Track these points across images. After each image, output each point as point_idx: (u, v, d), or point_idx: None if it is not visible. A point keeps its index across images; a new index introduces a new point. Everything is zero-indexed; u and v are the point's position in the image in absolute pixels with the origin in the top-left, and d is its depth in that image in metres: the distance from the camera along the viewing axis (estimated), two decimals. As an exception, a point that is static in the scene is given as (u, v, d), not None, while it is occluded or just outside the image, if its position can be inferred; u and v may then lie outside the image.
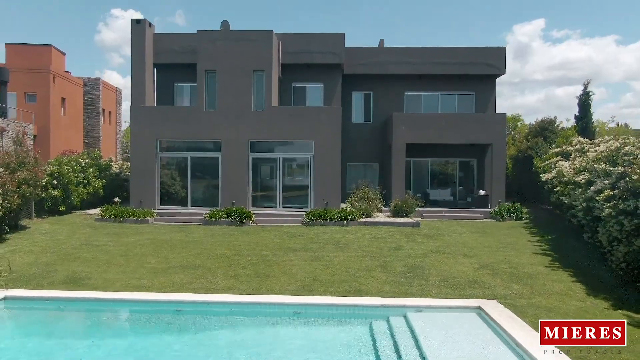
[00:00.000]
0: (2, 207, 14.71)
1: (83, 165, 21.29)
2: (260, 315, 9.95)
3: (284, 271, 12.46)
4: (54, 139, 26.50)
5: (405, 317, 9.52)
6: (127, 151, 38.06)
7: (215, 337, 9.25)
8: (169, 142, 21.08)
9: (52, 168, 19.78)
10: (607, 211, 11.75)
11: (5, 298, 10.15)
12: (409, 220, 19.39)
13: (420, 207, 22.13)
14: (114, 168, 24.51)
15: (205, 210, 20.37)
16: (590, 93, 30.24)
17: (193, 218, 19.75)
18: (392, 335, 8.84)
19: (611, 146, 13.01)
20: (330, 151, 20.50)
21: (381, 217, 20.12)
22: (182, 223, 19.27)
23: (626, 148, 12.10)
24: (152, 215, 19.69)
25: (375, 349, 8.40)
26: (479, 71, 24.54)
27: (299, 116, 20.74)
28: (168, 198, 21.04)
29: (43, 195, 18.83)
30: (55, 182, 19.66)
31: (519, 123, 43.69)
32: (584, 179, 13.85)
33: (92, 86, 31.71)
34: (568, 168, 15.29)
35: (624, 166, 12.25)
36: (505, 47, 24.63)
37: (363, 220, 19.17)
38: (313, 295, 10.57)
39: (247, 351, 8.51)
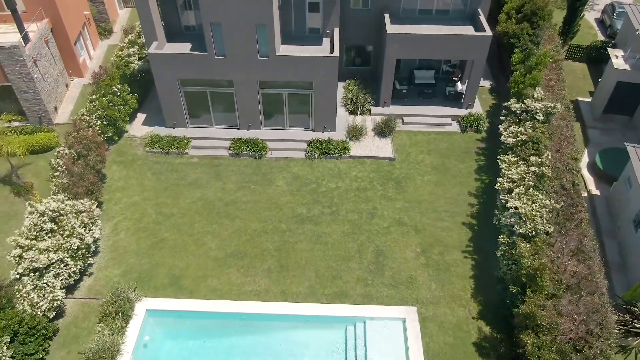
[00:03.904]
0: (96, 201, 20.99)
1: (118, 93, 24.92)
2: (288, 320, 18.58)
3: (297, 262, 20.22)
4: (68, 24, 27.98)
5: (364, 323, 18.29)
6: None
7: (266, 335, 18.29)
8: (188, 79, 24.18)
9: (100, 112, 23.92)
10: (500, 271, 18.52)
11: (147, 310, 18.60)
12: (388, 152, 24.97)
13: (404, 96, 27.05)
14: (132, 60, 27.21)
15: (228, 129, 25.66)
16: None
17: (221, 145, 25.30)
18: (355, 336, 18.01)
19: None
20: (327, 90, 24.01)
21: (367, 143, 25.44)
22: (213, 154, 25.01)
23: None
24: (189, 143, 25.18)
25: (346, 342, 17.88)
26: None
27: (301, 63, 23.16)
28: (196, 119, 25.79)
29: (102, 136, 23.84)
30: (105, 122, 24.26)
31: None
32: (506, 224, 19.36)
33: None
34: (507, 172, 20.57)
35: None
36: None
37: (353, 154, 24.81)
38: (317, 303, 18.84)
39: (282, 345, 17.80)
